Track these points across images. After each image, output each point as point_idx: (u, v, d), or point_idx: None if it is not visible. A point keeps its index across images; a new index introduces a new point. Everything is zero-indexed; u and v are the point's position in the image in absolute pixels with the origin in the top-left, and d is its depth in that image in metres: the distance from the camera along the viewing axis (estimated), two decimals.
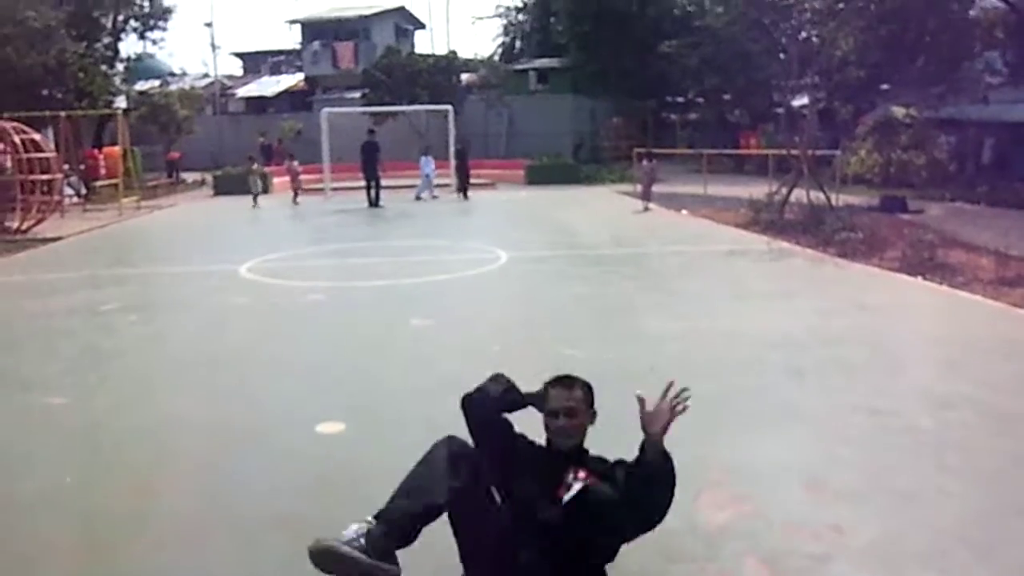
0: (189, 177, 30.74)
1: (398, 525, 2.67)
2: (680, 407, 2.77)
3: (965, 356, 6.28)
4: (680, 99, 36.01)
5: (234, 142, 36.74)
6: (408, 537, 2.70)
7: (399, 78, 31.98)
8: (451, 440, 2.97)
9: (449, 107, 26.01)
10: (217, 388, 5.91)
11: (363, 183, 21.11)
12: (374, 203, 20.60)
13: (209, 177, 28.08)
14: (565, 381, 3.02)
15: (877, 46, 20.15)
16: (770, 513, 3.70)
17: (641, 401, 2.71)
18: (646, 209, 18.00)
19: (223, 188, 25.31)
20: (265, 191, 21.85)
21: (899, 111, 21.72)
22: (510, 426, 3.14)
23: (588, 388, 3.03)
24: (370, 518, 2.69)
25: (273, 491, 4.08)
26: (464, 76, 34.70)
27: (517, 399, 3.14)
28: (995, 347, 6.60)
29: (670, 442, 4.36)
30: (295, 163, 23.08)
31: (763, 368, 6.03)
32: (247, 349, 7.02)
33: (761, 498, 3.85)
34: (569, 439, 2.96)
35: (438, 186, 23.44)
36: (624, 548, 2.94)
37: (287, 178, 27.39)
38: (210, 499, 4.01)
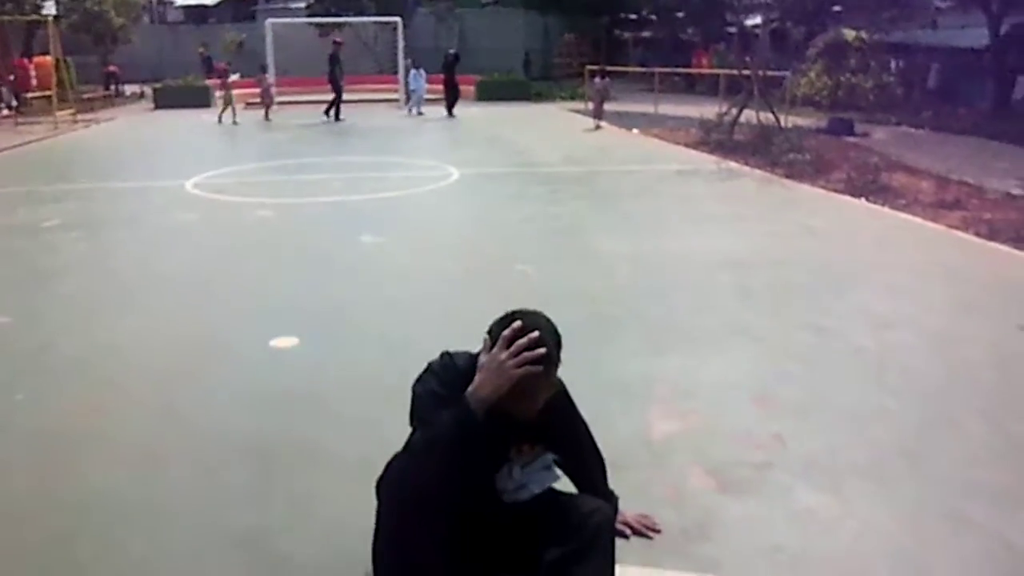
0: (127, 90, 29.64)
1: None
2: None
3: (905, 278, 6.47)
4: (633, 16, 35.62)
5: (174, 54, 35.43)
6: None
7: None
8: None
9: (398, 19, 25.32)
10: (167, 306, 5.83)
11: (306, 98, 20.73)
12: (336, 117, 20.17)
13: (148, 90, 27.08)
14: (542, 357, 2.18)
15: None
16: (716, 425, 3.84)
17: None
18: (597, 127, 17.94)
19: (164, 102, 24.48)
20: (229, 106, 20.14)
21: (850, 34, 21.81)
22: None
23: (559, 343, 2.28)
24: None
25: (230, 405, 4.09)
26: None
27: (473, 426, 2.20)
28: (933, 269, 6.82)
29: (619, 359, 4.49)
30: (267, 76, 21.66)
31: (710, 288, 6.15)
32: (195, 266, 6.92)
33: (708, 411, 3.99)
34: (524, 417, 2.33)
35: (381, 101, 23.02)
36: None
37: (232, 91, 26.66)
38: (167, 415, 4.00)
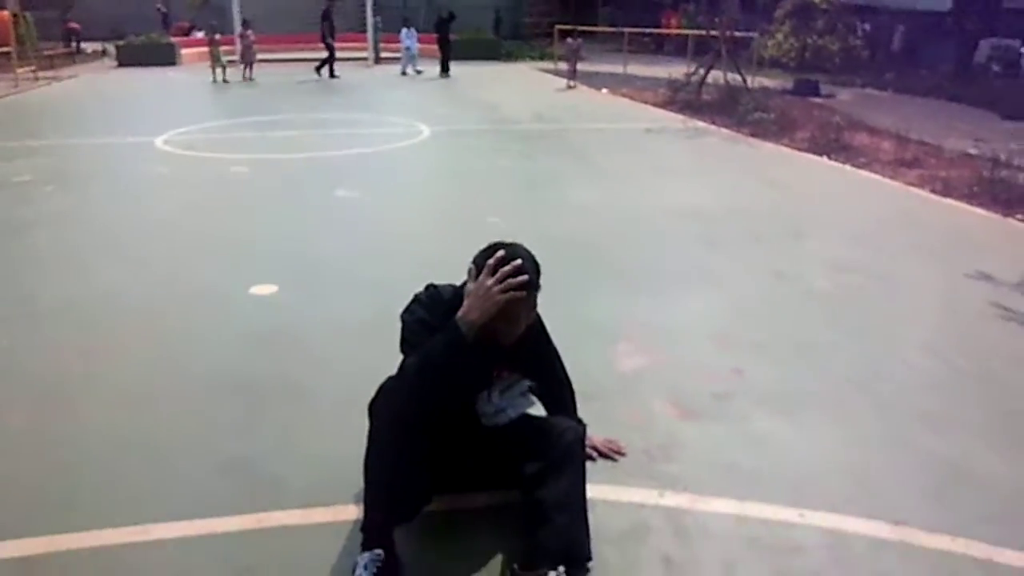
0: (88, 48, 29.04)
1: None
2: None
3: (862, 228, 6.76)
4: None
5: (135, 9, 34.61)
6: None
7: None
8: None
9: None
10: (145, 257, 5.93)
11: (276, 56, 20.50)
12: (331, 75, 20.33)
13: (110, 47, 26.57)
14: (525, 283, 2.33)
15: None
16: (679, 360, 4.07)
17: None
18: (570, 87, 18.02)
19: (127, 59, 24.05)
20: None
21: None
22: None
23: (538, 270, 2.46)
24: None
25: (214, 348, 4.24)
26: None
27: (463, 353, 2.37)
28: (890, 220, 7.12)
29: (589, 300, 4.70)
30: (249, 32, 20.41)
31: (676, 237, 6.39)
32: (171, 219, 7.00)
33: (672, 348, 4.22)
34: (507, 340, 2.50)
35: (349, 60, 22.77)
36: None
37: (196, 49, 26.29)
38: (155, 359, 4.13)
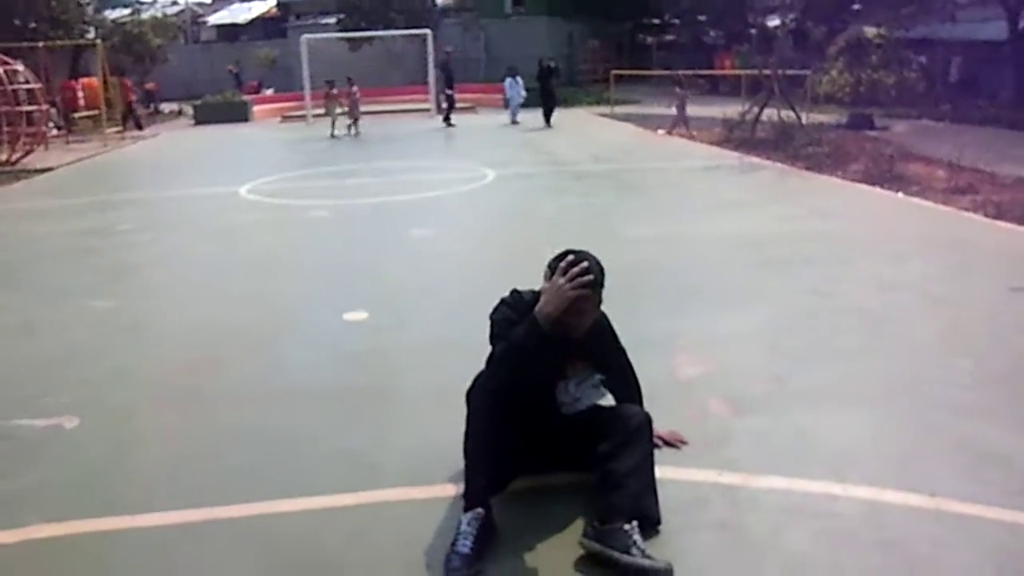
0: (165, 108, 30.74)
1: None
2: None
3: (911, 251, 7.08)
4: (656, 21, 36.21)
5: (207, 71, 36.61)
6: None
7: (374, 3, 31.89)
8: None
9: (428, 31, 26.13)
10: (246, 290, 6.58)
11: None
12: (448, 123, 20.95)
13: (186, 107, 28.14)
14: (590, 282, 2.82)
15: None
16: (732, 368, 4.49)
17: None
18: (679, 134, 17.33)
19: (204, 117, 25.47)
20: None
21: (870, 31, 22.25)
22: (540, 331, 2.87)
23: (602, 272, 2.94)
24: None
25: (319, 366, 4.78)
26: (439, 0, 34.63)
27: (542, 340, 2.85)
28: (939, 244, 7.41)
29: (650, 319, 5.16)
30: (355, 88, 20.20)
31: (731, 262, 6.83)
32: (264, 258, 7.67)
33: (724, 359, 4.64)
34: (577, 333, 2.96)
35: (411, 111, 23.50)
36: None
37: (266, 105, 27.71)
38: (266, 374, 4.69)
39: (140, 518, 3.18)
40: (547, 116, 20.44)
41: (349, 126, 19.88)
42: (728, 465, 3.44)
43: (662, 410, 3.78)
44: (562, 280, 2.83)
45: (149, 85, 30.71)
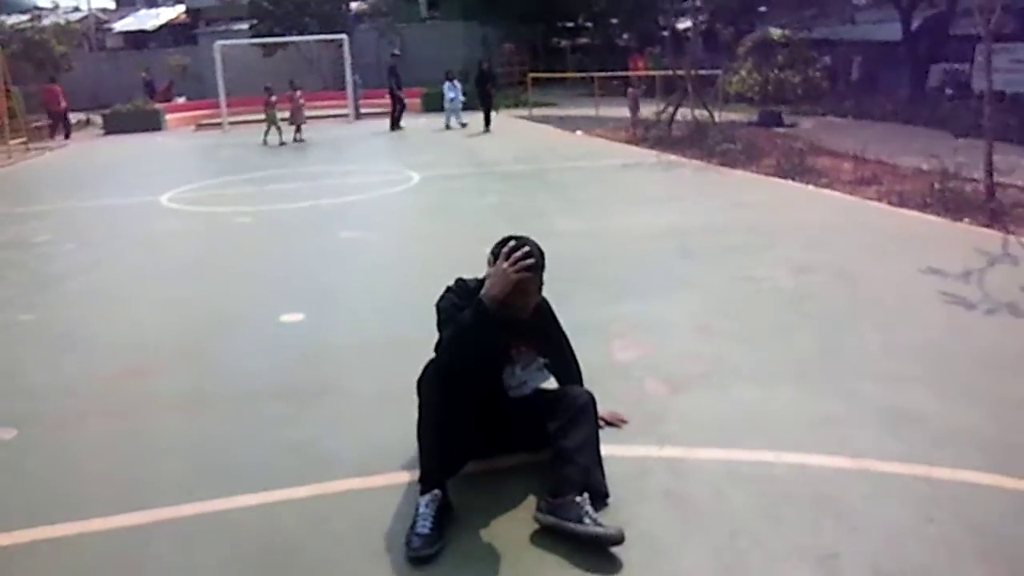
0: (72, 118, 29.67)
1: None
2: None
3: (823, 235, 7.49)
4: (569, 24, 36.72)
5: (114, 79, 35.46)
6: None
7: (287, 8, 31.44)
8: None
9: (344, 36, 25.96)
10: (174, 296, 6.50)
11: (257, 117, 20.94)
12: (396, 126, 20.77)
13: (95, 117, 27.26)
14: (532, 265, 3.00)
15: None
16: (667, 350, 4.70)
17: None
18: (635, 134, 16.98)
19: (114, 127, 24.71)
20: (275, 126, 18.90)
21: (775, 32, 23.05)
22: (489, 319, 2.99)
23: (543, 255, 3.12)
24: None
25: (256, 368, 4.79)
26: (353, 5, 34.42)
27: (489, 322, 2.98)
28: (848, 229, 7.85)
29: (584, 308, 5.33)
30: (298, 93, 19.55)
31: (657, 253, 7.09)
32: (192, 265, 7.58)
33: (659, 342, 4.85)
34: (523, 314, 3.15)
35: (329, 116, 23.28)
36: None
37: (179, 114, 27.08)
38: (201, 378, 4.67)
39: (92, 523, 3.16)
40: (487, 120, 20.05)
41: (295, 134, 19.27)
42: (668, 440, 3.62)
43: (602, 392, 3.90)
44: (506, 264, 2.96)
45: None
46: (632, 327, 5.11)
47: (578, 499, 2.96)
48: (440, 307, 3.21)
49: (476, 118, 20.35)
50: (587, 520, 2.89)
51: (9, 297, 6.70)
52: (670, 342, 4.84)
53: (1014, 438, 3.54)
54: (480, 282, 3.16)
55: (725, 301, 5.61)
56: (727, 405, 3.95)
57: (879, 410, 3.82)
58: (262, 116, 20.88)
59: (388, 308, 5.78)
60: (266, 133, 19.01)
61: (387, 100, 22.16)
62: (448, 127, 20.67)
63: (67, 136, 23.65)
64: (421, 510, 2.97)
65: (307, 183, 12.45)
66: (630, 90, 19.03)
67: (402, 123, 21.08)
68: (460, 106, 20.85)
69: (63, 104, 24.43)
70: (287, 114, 19.25)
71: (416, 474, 3.16)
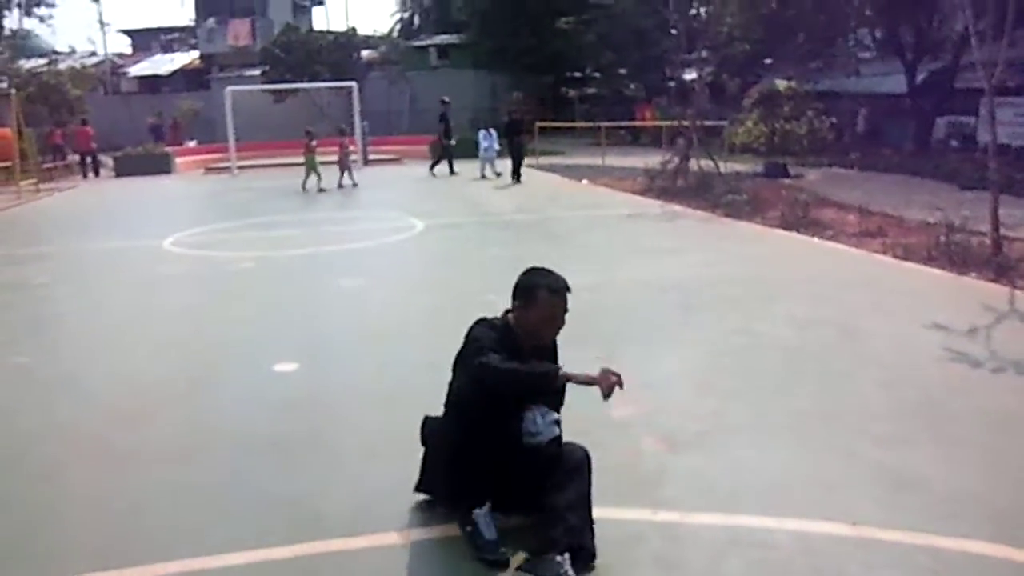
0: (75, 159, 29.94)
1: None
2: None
3: (826, 290, 7.41)
4: (578, 74, 37.08)
5: (128, 123, 35.86)
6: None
7: (298, 55, 31.96)
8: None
9: (353, 84, 26.27)
10: (168, 342, 6.44)
11: (265, 162, 21.01)
12: (452, 171, 20.28)
13: (107, 159, 27.51)
14: (564, 289, 3.32)
15: (759, 23, 21.55)
16: (665, 406, 4.61)
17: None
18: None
19: (125, 169, 24.91)
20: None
21: (781, 84, 23.21)
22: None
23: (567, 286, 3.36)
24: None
25: (247, 418, 4.71)
26: (364, 53, 34.90)
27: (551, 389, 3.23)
28: (852, 283, 7.76)
29: (582, 364, 5.25)
30: (346, 139, 19.38)
31: (658, 306, 7.02)
32: (188, 310, 7.54)
33: (659, 397, 4.75)
34: (546, 342, 3.40)
35: (332, 163, 23.46)
36: None
37: (189, 157, 27.33)
38: (191, 428, 4.61)
39: None
40: (516, 171, 18.81)
41: (345, 179, 18.90)
42: (664, 503, 3.52)
43: (598, 450, 3.85)
44: (608, 379, 3.23)
45: (55, 139, 29.75)
46: (630, 381, 5.00)
47: (559, 558, 2.88)
48: (476, 335, 3.25)
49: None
50: None
51: (3, 340, 6.65)
52: (669, 398, 4.75)
53: (1021, 504, 3.43)
54: (502, 320, 3.34)
55: (725, 356, 5.52)
56: (725, 466, 3.85)
57: (881, 473, 3.72)
58: (271, 161, 21.07)
59: (384, 361, 5.70)
60: (306, 178, 18.45)
61: (392, 147, 22.24)
62: (483, 176, 19.80)
63: (96, 174, 25.21)
64: (482, 522, 3.10)
65: (312, 229, 12.46)
66: (680, 141, 18.53)
67: (456, 169, 20.40)
68: (495, 155, 20.11)
69: (92, 145, 25.72)
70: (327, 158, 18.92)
71: (405, 535, 3.14)
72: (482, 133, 20.41)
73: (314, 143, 18.52)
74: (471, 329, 3.31)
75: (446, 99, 21.95)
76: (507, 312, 3.36)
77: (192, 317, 7.27)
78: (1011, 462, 3.84)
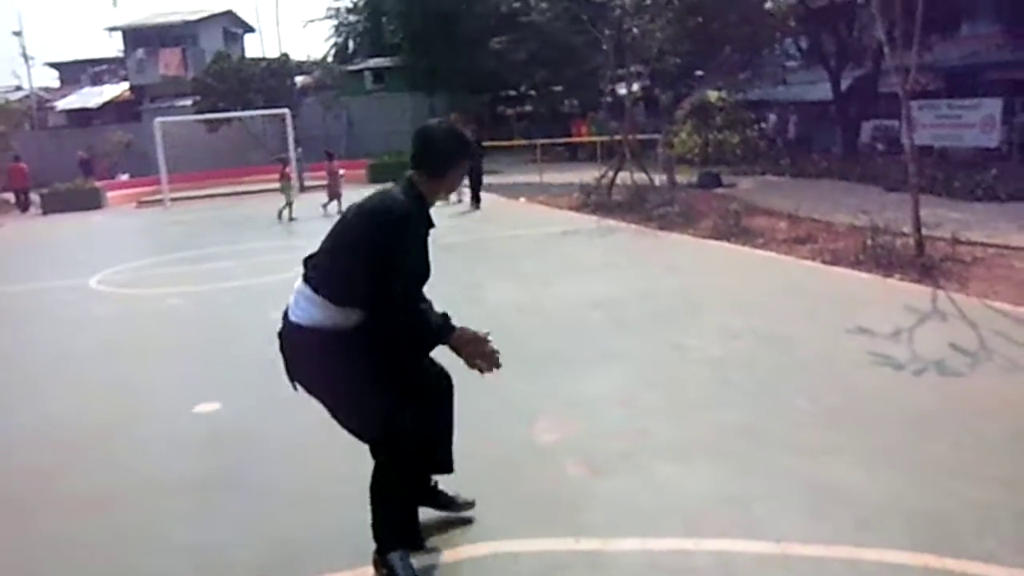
0: (10, 197, 29.12)
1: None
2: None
3: (754, 298, 7.45)
4: (513, 93, 37.28)
5: (56, 158, 34.94)
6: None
7: (231, 83, 31.51)
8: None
9: (286, 110, 26.01)
10: (90, 384, 6.22)
11: (200, 192, 20.65)
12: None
13: (33, 196, 26.77)
14: (468, 151, 3.31)
15: (688, 37, 21.85)
16: (591, 428, 4.54)
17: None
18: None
19: (53, 206, 24.21)
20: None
21: (713, 95, 23.57)
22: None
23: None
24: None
25: (163, 463, 4.53)
26: (299, 79, 34.59)
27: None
28: (780, 290, 7.84)
29: (508, 385, 5.20)
30: (334, 163, 18.85)
31: (588, 323, 6.97)
32: (110, 351, 7.28)
33: (584, 419, 4.70)
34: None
35: (275, 191, 23.16)
36: (471, 470, 3.70)
37: (121, 191, 26.72)
38: (106, 475, 4.41)
39: None
40: (476, 197, 17.79)
41: (325, 204, 18.31)
42: (586, 530, 3.44)
43: (520, 477, 3.81)
44: (483, 352, 3.28)
45: None
46: (557, 404, 4.96)
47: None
48: (409, 262, 3.12)
49: None
50: None
51: None
52: (594, 419, 4.68)
53: (941, 508, 3.44)
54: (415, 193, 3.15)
55: (652, 372, 5.49)
56: (648, 487, 3.79)
57: (803, 487, 3.69)
58: (206, 192, 20.66)
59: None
60: (283, 208, 17.83)
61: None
62: (459, 200, 18.06)
63: (24, 211, 25.21)
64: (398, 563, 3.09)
65: (245, 261, 12.21)
66: (659, 150, 18.65)
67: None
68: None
69: (28, 183, 25.82)
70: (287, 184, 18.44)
71: None
72: None
73: (288, 170, 18.29)
74: (393, 213, 3.05)
75: (474, 128, 21.15)
76: (409, 178, 3.16)
77: (114, 358, 7.02)
78: (929, 463, 3.87)
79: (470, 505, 3.57)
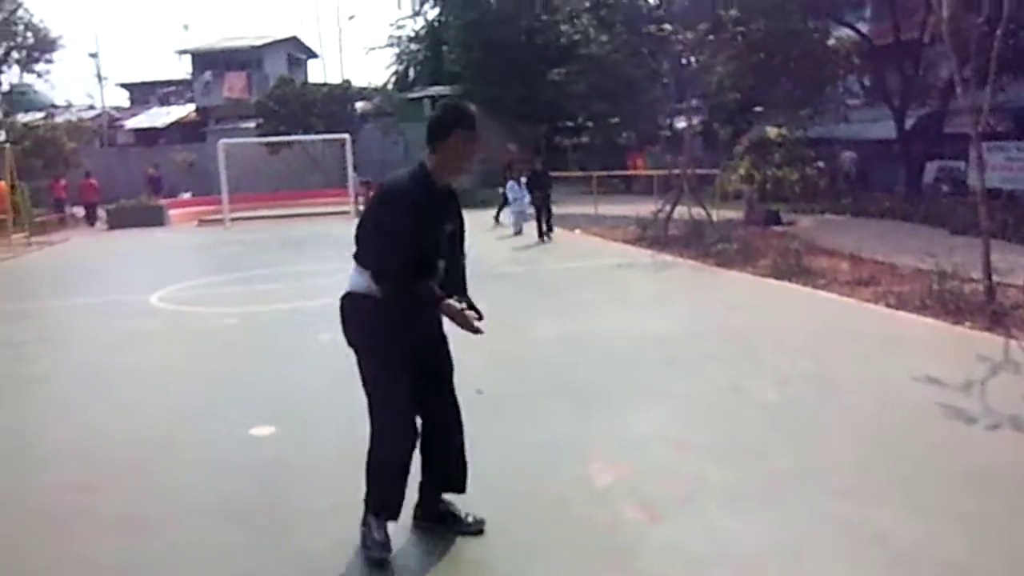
0: (78, 212, 30.00)
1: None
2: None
3: (812, 342, 7.27)
4: (571, 124, 37.33)
5: (124, 175, 36.02)
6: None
7: (293, 108, 32.24)
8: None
9: (347, 136, 26.42)
10: (149, 402, 6.29)
11: (259, 213, 21.01)
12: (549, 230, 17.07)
13: (100, 211, 27.56)
14: (475, 123, 3.53)
15: (749, 72, 21.71)
16: (646, 471, 4.44)
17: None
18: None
19: (118, 222, 24.92)
20: None
21: (772, 131, 23.33)
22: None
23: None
24: None
25: (212, 487, 4.54)
26: (359, 105, 35.20)
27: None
28: (840, 334, 7.62)
29: (559, 420, 5.09)
30: (370, 192, 19.19)
31: (642, 360, 6.87)
32: (168, 369, 7.38)
33: (639, 461, 4.60)
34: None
35: (331, 214, 23.28)
36: (524, 511, 3.64)
37: (183, 209, 27.37)
38: (151, 497, 4.44)
39: None
40: (548, 226, 17.01)
41: None
42: None
43: (575, 519, 3.73)
44: (467, 321, 3.67)
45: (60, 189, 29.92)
46: (611, 445, 4.86)
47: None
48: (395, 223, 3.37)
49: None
50: None
51: None
52: (649, 461, 4.58)
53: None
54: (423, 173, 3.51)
55: (706, 415, 5.37)
56: (702, 535, 3.69)
57: (856, 539, 3.57)
58: (265, 213, 21.01)
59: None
60: None
61: None
62: (519, 232, 17.94)
63: (92, 225, 26.47)
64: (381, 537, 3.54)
65: (298, 283, 12.35)
66: (744, 188, 18.65)
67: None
68: (527, 208, 18.02)
69: (96, 199, 27.29)
70: None
71: None
72: (510, 184, 18.73)
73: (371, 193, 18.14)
74: (388, 190, 3.48)
75: (512, 147, 21.03)
76: (421, 160, 3.52)
77: (170, 377, 7.11)
78: (1004, 528, 3.68)
79: (480, 524, 3.70)
